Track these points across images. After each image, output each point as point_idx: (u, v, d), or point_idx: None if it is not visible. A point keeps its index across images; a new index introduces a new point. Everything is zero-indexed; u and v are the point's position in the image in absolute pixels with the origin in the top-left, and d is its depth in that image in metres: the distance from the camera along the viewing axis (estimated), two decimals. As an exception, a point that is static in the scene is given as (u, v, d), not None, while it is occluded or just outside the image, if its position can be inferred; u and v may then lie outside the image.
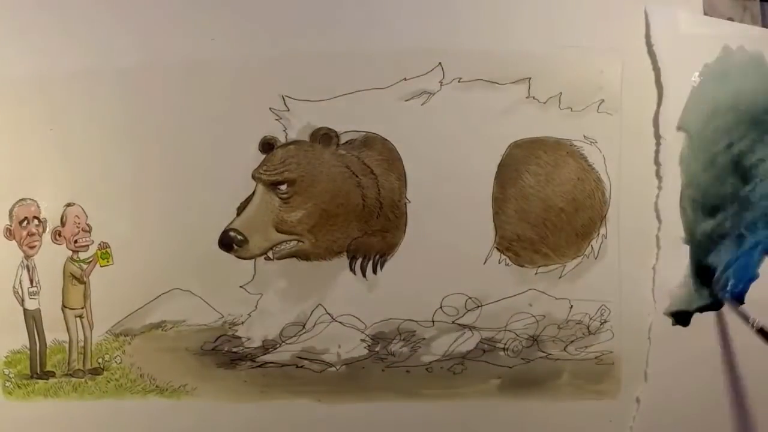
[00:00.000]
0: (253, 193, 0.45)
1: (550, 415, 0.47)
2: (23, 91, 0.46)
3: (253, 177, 0.45)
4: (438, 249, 0.46)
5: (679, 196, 0.45)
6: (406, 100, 0.45)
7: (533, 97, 0.45)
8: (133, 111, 0.45)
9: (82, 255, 0.46)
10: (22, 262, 0.46)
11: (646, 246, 0.46)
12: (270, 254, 0.45)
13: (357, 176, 0.45)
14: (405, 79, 0.45)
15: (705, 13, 0.45)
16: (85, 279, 0.46)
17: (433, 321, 0.46)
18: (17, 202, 0.46)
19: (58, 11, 0.45)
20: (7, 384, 0.47)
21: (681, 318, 0.46)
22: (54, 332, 0.47)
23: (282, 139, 0.45)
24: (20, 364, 0.47)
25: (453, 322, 0.46)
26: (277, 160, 0.45)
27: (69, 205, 0.46)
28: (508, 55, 0.45)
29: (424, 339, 0.46)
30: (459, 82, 0.45)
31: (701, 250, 0.46)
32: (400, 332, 0.46)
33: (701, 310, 0.46)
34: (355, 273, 0.46)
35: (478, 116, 0.45)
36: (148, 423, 0.47)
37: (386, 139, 0.45)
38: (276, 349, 0.46)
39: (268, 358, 0.46)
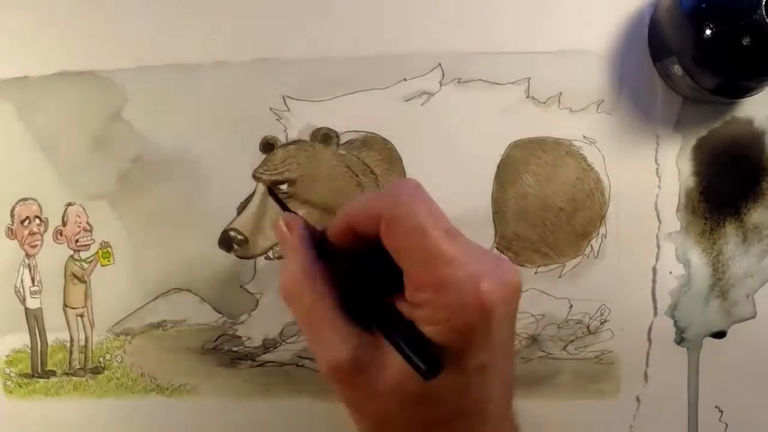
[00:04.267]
0: (253, 192, 0.45)
1: (550, 415, 0.47)
2: (23, 91, 0.46)
3: (254, 177, 0.45)
4: (438, 249, 0.46)
5: (678, 196, 0.45)
6: (406, 100, 0.45)
7: (533, 97, 0.45)
8: (133, 111, 0.45)
9: (84, 254, 0.46)
10: (24, 261, 0.46)
11: (646, 246, 0.46)
12: (270, 254, 0.46)
13: (357, 176, 0.45)
14: (405, 80, 0.45)
15: (704, 13, 0.45)
16: (86, 278, 0.46)
17: (433, 321, 0.46)
18: (18, 202, 0.46)
19: (59, 12, 0.45)
20: (8, 383, 0.47)
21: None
22: (55, 331, 0.47)
23: (282, 139, 0.45)
24: (21, 363, 0.47)
25: (453, 322, 0.46)
26: (278, 159, 0.45)
27: (70, 204, 0.46)
28: (508, 55, 0.45)
29: (424, 339, 0.46)
30: (459, 82, 0.45)
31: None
32: (400, 332, 0.46)
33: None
34: (355, 273, 0.46)
35: (478, 116, 0.45)
36: (148, 422, 0.47)
37: (386, 139, 0.45)
38: (276, 348, 0.46)
39: (268, 357, 0.47)
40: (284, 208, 0.40)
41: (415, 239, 0.28)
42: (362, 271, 0.32)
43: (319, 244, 0.33)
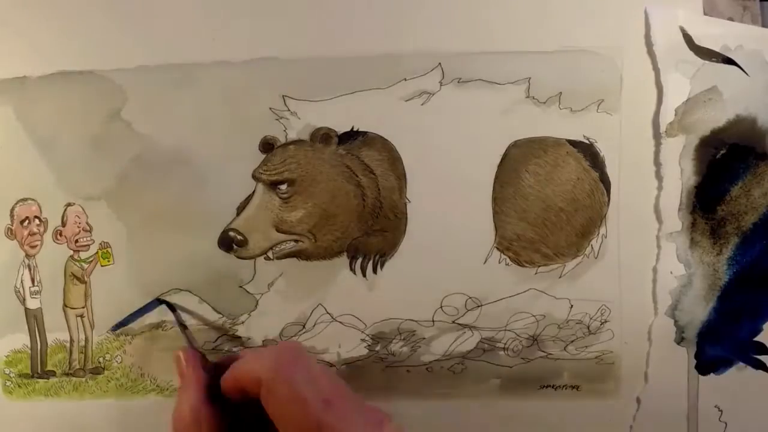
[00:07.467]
0: (253, 192, 0.45)
1: (550, 415, 0.47)
2: (23, 90, 0.46)
3: (254, 177, 0.45)
4: (438, 249, 0.46)
5: (679, 196, 0.45)
6: (406, 100, 0.45)
7: (533, 97, 0.45)
8: (133, 111, 0.45)
9: (83, 254, 0.46)
10: (23, 261, 0.46)
11: (646, 246, 0.46)
12: (270, 254, 0.46)
13: (357, 176, 0.45)
14: (405, 80, 0.45)
15: (705, 13, 0.45)
16: (86, 278, 0.46)
17: (433, 321, 0.46)
18: (18, 202, 0.46)
19: (59, 12, 0.45)
20: (8, 383, 0.47)
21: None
22: (55, 331, 0.47)
23: (282, 139, 0.45)
24: (21, 364, 0.47)
25: (453, 322, 0.46)
26: (277, 159, 0.45)
27: (69, 204, 0.46)
28: (508, 55, 0.45)
29: (424, 339, 0.46)
30: (459, 82, 0.45)
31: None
32: (400, 332, 0.46)
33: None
34: (355, 273, 0.46)
35: (478, 116, 0.45)
36: (148, 422, 0.47)
37: (386, 139, 0.45)
38: (276, 348, 0.46)
39: (268, 357, 0.47)
40: (190, 344, 0.44)
41: (294, 408, 0.30)
42: (249, 421, 0.34)
43: (212, 387, 0.37)
